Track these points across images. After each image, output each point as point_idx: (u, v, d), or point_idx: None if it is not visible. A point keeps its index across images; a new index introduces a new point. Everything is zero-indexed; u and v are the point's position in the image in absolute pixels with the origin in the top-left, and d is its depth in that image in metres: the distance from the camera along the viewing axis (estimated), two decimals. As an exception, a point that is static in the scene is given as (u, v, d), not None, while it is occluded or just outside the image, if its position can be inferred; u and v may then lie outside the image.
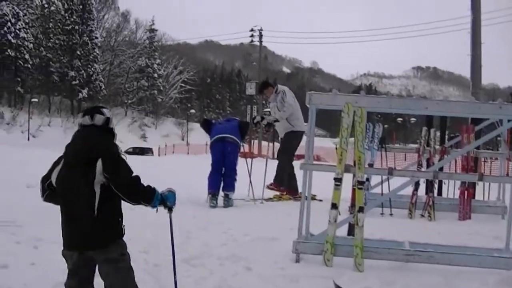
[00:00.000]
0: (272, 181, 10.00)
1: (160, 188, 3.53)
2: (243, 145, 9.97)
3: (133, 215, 7.62)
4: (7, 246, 5.52)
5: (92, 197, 3.27)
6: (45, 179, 3.46)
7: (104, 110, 3.56)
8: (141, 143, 65.73)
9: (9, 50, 66.25)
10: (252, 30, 50.06)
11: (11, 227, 6.50)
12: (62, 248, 3.40)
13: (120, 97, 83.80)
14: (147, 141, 72.97)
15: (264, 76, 51.15)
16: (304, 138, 6.77)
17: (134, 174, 3.37)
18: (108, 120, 3.52)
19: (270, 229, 6.78)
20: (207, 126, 9.76)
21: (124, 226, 3.46)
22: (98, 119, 3.46)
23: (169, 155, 46.24)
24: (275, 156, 12.45)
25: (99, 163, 3.27)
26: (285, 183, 9.93)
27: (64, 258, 3.42)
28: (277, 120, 9.92)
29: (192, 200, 9.31)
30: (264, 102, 42.46)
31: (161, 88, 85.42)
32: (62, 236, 3.39)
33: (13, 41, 66.57)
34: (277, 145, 11.84)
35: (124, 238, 3.46)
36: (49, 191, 3.45)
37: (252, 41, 51.01)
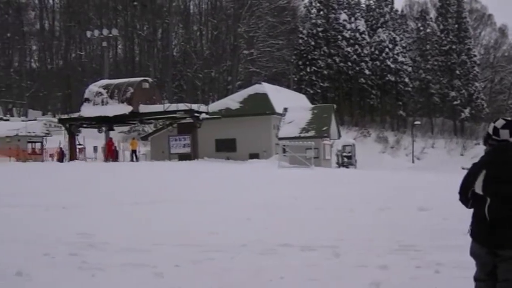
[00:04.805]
0: None
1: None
2: None
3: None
4: (408, 271, 5.81)
5: None
6: (466, 189, 3.81)
7: None
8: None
9: (389, 75, 71.08)
10: None
11: (411, 252, 6.78)
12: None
13: (503, 115, 79.77)
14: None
15: None
16: None
17: None
18: None
19: None
20: None
21: None
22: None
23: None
24: None
25: None
26: None
27: (473, 256, 3.87)
28: None
29: None
30: None
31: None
32: (478, 234, 3.80)
33: (392, 66, 71.19)
34: None
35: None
36: (472, 199, 3.80)
37: None
